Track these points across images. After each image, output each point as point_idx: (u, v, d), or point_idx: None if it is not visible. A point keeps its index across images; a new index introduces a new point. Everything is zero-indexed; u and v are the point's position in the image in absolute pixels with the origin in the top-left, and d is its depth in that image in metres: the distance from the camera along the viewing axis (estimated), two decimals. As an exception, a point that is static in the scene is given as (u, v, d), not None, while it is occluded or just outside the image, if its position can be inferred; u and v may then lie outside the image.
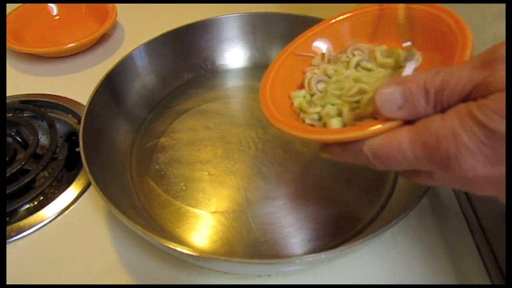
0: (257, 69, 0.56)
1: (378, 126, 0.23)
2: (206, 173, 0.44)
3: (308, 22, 0.53)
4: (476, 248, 0.38)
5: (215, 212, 0.40)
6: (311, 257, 0.30)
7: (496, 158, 0.20)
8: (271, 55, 0.57)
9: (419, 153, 0.22)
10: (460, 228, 0.39)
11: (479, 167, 0.20)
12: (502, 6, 0.37)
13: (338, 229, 0.39)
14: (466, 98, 0.21)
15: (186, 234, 0.39)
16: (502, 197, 0.23)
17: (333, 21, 0.37)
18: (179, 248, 0.31)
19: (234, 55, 0.57)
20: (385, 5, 0.34)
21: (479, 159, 0.20)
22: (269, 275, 0.37)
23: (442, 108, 0.22)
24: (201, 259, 0.34)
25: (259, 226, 0.39)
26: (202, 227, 0.39)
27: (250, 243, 0.38)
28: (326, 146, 0.27)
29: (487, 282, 0.36)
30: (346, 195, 0.41)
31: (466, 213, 0.41)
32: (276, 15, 0.55)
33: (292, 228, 0.39)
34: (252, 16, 0.55)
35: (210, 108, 0.51)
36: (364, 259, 0.37)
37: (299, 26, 0.54)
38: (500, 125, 0.19)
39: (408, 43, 0.31)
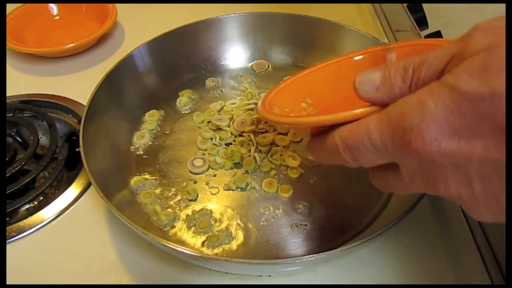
0: (257, 69, 0.57)
1: (351, 111, 0.23)
2: (207, 173, 0.44)
3: (308, 22, 0.53)
4: (476, 248, 0.38)
5: (215, 211, 0.40)
6: (311, 257, 0.30)
7: (463, 128, 0.18)
8: (271, 55, 0.57)
9: (384, 132, 0.20)
10: (460, 228, 0.39)
11: (444, 140, 0.18)
12: (502, 6, 0.37)
13: (338, 230, 0.39)
14: (443, 72, 0.20)
15: (186, 234, 0.39)
16: (466, 201, 0.20)
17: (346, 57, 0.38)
18: (179, 248, 0.31)
19: (234, 55, 0.57)
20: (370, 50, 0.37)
21: (445, 130, 0.18)
22: (269, 275, 0.37)
23: (417, 88, 0.21)
24: (201, 259, 0.34)
25: (259, 226, 0.39)
26: (202, 227, 0.39)
27: (250, 243, 0.38)
28: (308, 142, 0.27)
29: (487, 282, 0.36)
30: (346, 196, 0.41)
31: (467, 213, 0.41)
32: (276, 15, 0.55)
33: (292, 228, 0.39)
34: (252, 16, 0.55)
35: (210, 108, 0.50)
36: (364, 259, 0.37)
37: (299, 26, 0.54)
38: (468, 85, 0.17)
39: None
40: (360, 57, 0.37)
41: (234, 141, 0.46)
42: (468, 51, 0.19)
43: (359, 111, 0.23)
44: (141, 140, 0.47)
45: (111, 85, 0.46)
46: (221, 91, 0.54)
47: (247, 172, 0.44)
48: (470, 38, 0.19)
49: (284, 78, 0.50)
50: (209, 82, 0.54)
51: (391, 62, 0.30)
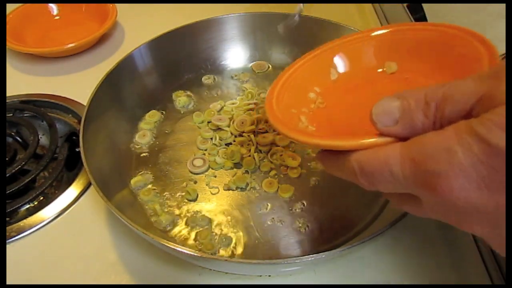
0: (257, 69, 0.56)
1: (371, 139, 0.22)
2: (207, 173, 0.44)
3: (308, 22, 0.53)
4: (476, 248, 0.38)
5: (215, 212, 0.40)
6: (311, 257, 0.30)
7: (493, 181, 0.17)
8: (271, 55, 0.57)
9: (407, 169, 0.20)
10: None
11: (472, 190, 0.18)
12: (502, 6, 0.37)
13: (338, 229, 0.39)
14: (470, 113, 0.19)
15: (186, 234, 0.39)
16: (492, 240, 0.20)
17: (355, 37, 0.36)
18: (179, 248, 0.31)
19: (234, 55, 0.57)
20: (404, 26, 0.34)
21: (474, 180, 0.17)
22: (269, 275, 0.37)
23: (442, 125, 0.19)
24: (201, 259, 0.34)
25: (260, 226, 0.39)
26: (202, 227, 0.39)
27: (250, 243, 0.38)
28: (320, 154, 0.26)
29: (487, 282, 0.36)
30: (346, 196, 0.41)
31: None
32: (276, 15, 0.55)
33: (292, 228, 0.39)
34: (252, 16, 0.55)
35: (210, 108, 0.50)
36: (364, 259, 0.37)
37: (299, 26, 0.54)
38: (501, 140, 0.16)
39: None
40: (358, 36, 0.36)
41: (234, 141, 0.46)
42: (499, 95, 0.18)
43: (381, 140, 0.22)
44: (142, 139, 0.47)
45: (111, 85, 0.46)
46: (220, 90, 0.54)
47: (247, 172, 0.44)
48: (500, 80, 0.18)
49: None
50: (205, 80, 0.55)
51: None
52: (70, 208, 0.43)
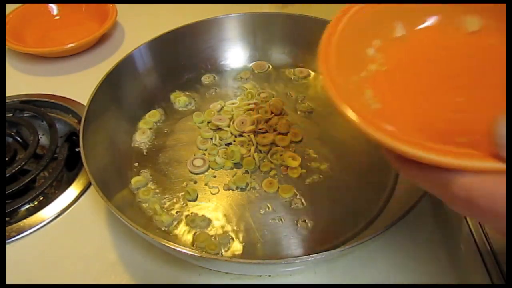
0: (257, 69, 0.56)
1: (495, 164, 0.16)
2: (207, 173, 0.44)
3: (308, 22, 0.53)
4: (476, 248, 0.38)
5: (215, 212, 0.40)
6: (311, 257, 0.30)
7: None
8: (271, 55, 0.57)
9: None
10: (460, 228, 0.39)
11: None
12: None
13: (338, 229, 0.39)
14: None
15: (186, 234, 0.39)
16: None
17: None
18: (179, 248, 0.31)
19: (234, 55, 0.57)
20: None
21: None
22: (269, 275, 0.37)
23: None
24: (201, 259, 0.34)
25: (259, 226, 0.39)
26: (202, 227, 0.39)
27: (250, 243, 0.38)
28: (402, 159, 0.20)
29: (487, 282, 0.36)
30: (346, 196, 0.41)
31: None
32: (276, 15, 0.55)
33: (292, 228, 0.39)
34: (252, 16, 0.55)
35: (210, 108, 0.50)
36: (364, 259, 0.37)
37: (299, 26, 0.54)
38: None
39: None
40: None
41: (234, 141, 0.46)
42: None
43: (500, 166, 0.16)
44: (142, 139, 0.47)
45: (111, 85, 0.46)
46: (220, 90, 0.54)
47: (247, 172, 0.44)
48: None
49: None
50: (205, 79, 0.55)
51: None
52: (70, 208, 0.43)
